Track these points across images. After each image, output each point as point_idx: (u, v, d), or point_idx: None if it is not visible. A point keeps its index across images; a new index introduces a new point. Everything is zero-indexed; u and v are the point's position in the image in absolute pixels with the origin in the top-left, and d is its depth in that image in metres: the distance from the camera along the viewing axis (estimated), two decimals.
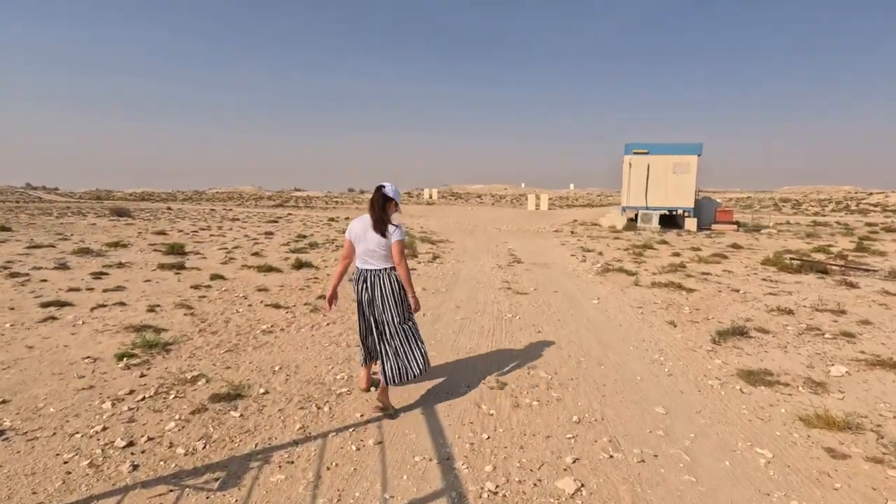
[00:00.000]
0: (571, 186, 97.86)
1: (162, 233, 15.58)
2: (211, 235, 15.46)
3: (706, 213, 22.38)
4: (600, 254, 11.95)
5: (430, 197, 64.76)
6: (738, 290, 7.41)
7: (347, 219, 26.09)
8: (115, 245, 11.77)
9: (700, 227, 20.80)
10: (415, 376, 3.35)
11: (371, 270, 3.29)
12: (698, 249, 12.88)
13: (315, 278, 8.12)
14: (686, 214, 21.29)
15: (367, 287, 3.29)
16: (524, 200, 54.88)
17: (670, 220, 22.88)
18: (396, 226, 3.26)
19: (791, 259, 9.84)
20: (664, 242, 14.53)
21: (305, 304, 6.31)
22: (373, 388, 3.61)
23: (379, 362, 3.36)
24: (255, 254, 10.93)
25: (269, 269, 8.69)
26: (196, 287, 7.09)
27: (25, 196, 61.38)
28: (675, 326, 5.50)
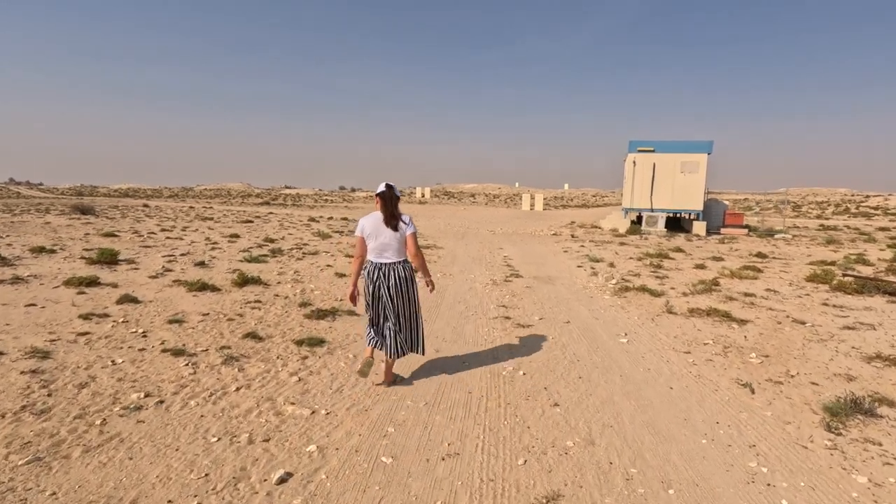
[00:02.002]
0: (566, 186, 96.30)
1: (112, 234, 13.67)
2: (168, 238, 13.58)
3: (714, 216, 20.75)
4: (611, 265, 10.22)
5: (423, 196, 62.73)
6: (803, 322, 5.70)
7: (331, 218, 24.23)
8: (41, 250, 9.92)
9: (708, 231, 19.16)
10: (417, 351, 3.76)
11: (386, 264, 3.53)
12: (721, 259, 11.20)
13: (258, 302, 6.30)
14: (694, 217, 19.63)
15: (383, 278, 3.51)
16: (518, 200, 53.24)
17: (676, 224, 21.21)
18: (408, 221, 3.53)
19: (845, 275, 8.18)
20: (679, 250, 12.84)
21: (222, 347, 4.49)
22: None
23: (387, 341, 3.60)
24: (201, 263, 9.08)
25: (204, 286, 6.87)
26: (87, 317, 5.25)
27: (4, 191, 58.83)
28: (752, 392, 3.75)
